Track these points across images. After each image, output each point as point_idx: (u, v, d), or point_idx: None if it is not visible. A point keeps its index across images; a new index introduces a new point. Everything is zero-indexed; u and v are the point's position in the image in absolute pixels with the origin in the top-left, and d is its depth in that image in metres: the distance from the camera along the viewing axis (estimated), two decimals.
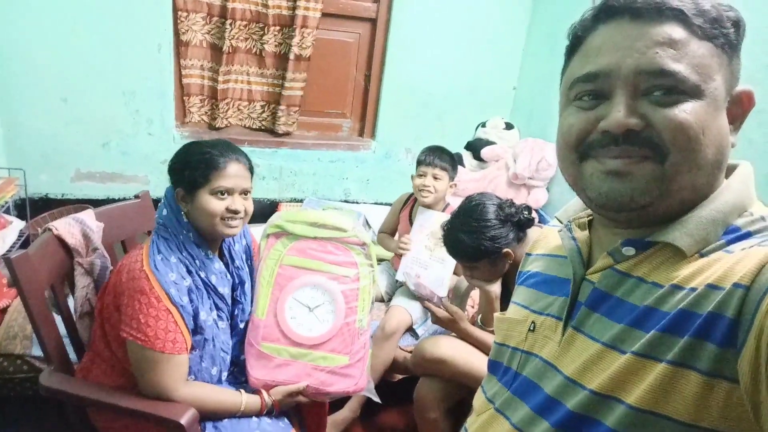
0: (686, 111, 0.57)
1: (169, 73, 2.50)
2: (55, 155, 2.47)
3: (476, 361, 1.50)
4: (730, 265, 0.55)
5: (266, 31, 2.58)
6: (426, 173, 2.05)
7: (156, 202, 1.40)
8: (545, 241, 0.85)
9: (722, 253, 0.58)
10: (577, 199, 0.78)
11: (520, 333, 0.76)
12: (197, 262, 1.27)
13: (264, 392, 1.32)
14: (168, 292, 1.19)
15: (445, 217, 1.71)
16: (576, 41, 0.66)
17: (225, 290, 1.34)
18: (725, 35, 0.59)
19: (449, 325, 1.58)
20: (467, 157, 2.94)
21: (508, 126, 2.96)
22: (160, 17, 2.39)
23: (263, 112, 2.77)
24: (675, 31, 0.57)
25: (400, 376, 1.95)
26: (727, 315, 0.52)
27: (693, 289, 0.56)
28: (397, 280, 2.18)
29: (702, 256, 0.59)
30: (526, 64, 3.04)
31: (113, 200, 1.88)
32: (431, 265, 1.98)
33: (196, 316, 1.25)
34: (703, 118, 0.57)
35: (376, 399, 1.45)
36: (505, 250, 1.45)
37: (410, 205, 2.23)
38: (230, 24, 2.51)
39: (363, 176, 3.00)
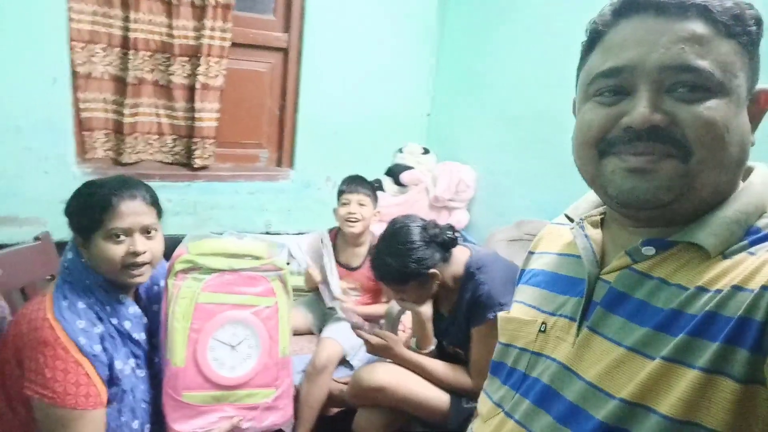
0: (711, 108, 0.56)
1: (66, 108, 2.32)
2: None
3: (415, 386, 1.48)
4: (756, 266, 0.54)
5: (173, 62, 2.48)
6: (350, 201, 2.04)
7: (59, 244, 1.27)
8: (549, 239, 0.83)
9: (746, 254, 0.57)
10: (587, 197, 0.78)
11: (528, 333, 0.73)
12: (108, 308, 1.17)
13: None
14: (76, 342, 1.08)
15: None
16: (596, 36, 0.64)
17: (141, 336, 1.23)
18: (748, 33, 0.58)
19: (384, 352, 1.55)
20: (388, 182, 2.96)
21: (425, 151, 3.03)
22: (55, 48, 2.23)
23: (175, 145, 2.65)
24: (700, 27, 0.57)
25: (336, 410, 1.88)
26: (757, 318, 0.51)
27: (718, 291, 0.55)
28: (326, 312, 2.13)
29: (725, 257, 0.58)
30: (438, 92, 3.13)
31: (7, 246, 1.70)
32: None
33: (111, 366, 1.14)
34: (728, 116, 0.56)
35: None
36: (431, 270, 1.45)
37: (332, 240, 2.19)
38: (133, 55, 2.39)
39: (284, 207, 2.93)
